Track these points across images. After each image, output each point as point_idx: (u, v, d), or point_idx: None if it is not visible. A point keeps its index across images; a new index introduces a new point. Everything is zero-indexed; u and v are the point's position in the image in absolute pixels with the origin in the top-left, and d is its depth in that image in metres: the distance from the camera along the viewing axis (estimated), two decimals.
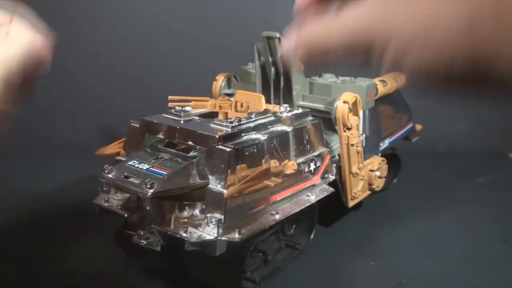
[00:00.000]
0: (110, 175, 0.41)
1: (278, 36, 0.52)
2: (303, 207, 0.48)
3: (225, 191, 0.39)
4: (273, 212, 0.45)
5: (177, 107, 0.43)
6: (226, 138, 0.41)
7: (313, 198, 0.50)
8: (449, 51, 0.20)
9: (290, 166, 0.44)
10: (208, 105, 0.39)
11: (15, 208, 0.67)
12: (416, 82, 0.29)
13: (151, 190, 0.38)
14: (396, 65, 0.21)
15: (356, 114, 0.55)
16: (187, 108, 0.43)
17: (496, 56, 0.19)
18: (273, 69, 0.57)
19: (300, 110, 0.52)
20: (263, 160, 0.43)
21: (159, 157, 0.42)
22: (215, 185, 0.40)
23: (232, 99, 0.53)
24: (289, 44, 0.25)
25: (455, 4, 0.19)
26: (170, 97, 0.40)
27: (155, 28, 0.99)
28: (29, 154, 0.85)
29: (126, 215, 0.42)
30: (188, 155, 0.41)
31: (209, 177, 0.41)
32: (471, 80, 0.20)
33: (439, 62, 0.20)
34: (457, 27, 0.19)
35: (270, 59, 0.56)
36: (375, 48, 0.22)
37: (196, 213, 0.42)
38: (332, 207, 0.58)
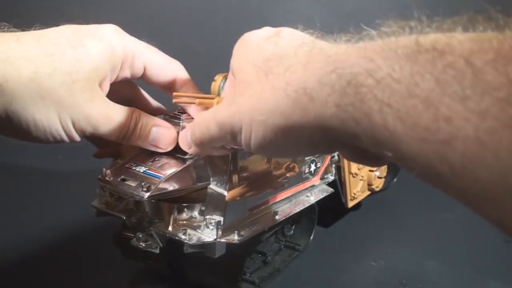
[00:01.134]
0: (107, 178, 0.40)
1: None
2: (302, 207, 0.48)
3: (226, 193, 0.39)
4: (273, 213, 0.45)
5: (175, 111, 0.43)
6: None
7: (312, 198, 0.50)
8: (271, 130, 0.25)
9: (293, 168, 0.44)
10: (214, 103, 0.38)
11: (14, 207, 0.67)
12: (267, 154, 0.40)
13: (148, 193, 0.38)
14: (248, 144, 0.27)
15: None
16: (186, 112, 0.43)
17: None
18: None
19: None
20: (265, 161, 0.43)
21: (156, 159, 0.41)
22: (216, 187, 0.40)
23: None
24: (185, 141, 0.37)
25: (272, 99, 0.25)
26: (175, 94, 0.39)
27: (155, 28, 0.99)
28: (29, 151, 0.85)
29: (124, 218, 0.42)
30: (186, 157, 0.41)
31: (210, 178, 0.40)
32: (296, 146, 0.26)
33: (270, 139, 0.26)
34: (274, 114, 0.25)
35: None
36: (235, 134, 0.28)
37: (195, 214, 0.42)
38: (332, 208, 0.58)
